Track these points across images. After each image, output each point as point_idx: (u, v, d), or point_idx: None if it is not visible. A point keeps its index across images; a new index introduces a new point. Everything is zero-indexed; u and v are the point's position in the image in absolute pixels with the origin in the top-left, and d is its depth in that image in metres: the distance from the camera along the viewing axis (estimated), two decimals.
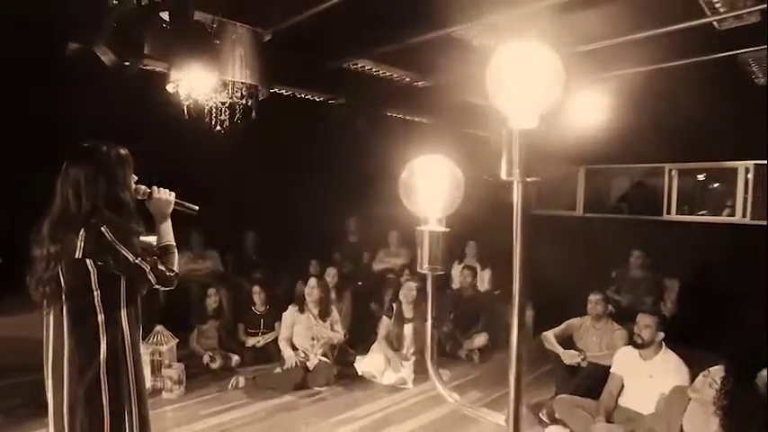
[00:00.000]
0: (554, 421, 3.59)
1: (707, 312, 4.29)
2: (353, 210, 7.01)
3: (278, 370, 4.37)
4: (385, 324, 4.75)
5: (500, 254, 6.27)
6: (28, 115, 4.27)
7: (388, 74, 5.48)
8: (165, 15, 2.79)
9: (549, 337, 4.19)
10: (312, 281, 4.67)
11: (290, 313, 4.57)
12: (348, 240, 6.84)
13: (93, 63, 3.49)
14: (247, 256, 6.09)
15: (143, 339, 2.82)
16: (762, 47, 4.28)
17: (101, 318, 1.75)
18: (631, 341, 3.47)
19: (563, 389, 3.79)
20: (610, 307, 4.14)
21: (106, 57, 3.37)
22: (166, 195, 1.99)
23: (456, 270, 6.11)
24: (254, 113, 3.15)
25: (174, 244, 1.98)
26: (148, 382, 3.78)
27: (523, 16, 3.90)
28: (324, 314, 4.58)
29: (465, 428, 3.64)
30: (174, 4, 2.85)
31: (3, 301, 4.09)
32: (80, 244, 1.72)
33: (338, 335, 4.62)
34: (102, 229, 1.73)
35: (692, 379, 3.17)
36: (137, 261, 1.77)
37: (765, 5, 3.55)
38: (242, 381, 4.24)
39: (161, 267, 1.83)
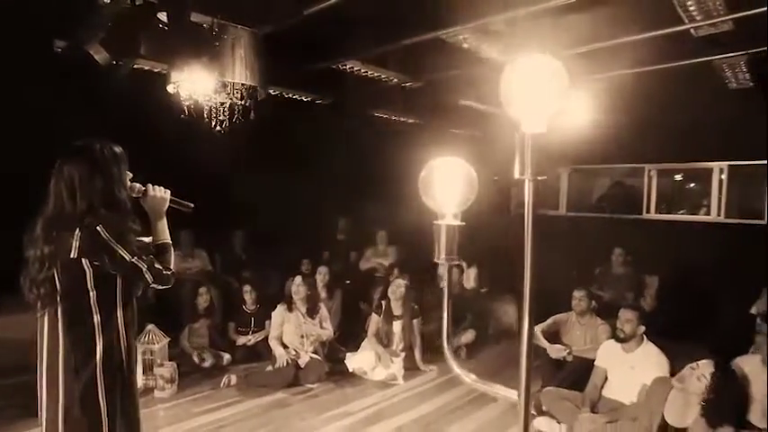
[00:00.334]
0: (541, 413, 3.71)
1: (684, 307, 4.47)
2: (341, 209, 7.07)
3: (269, 368, 4.42)
4: (374, 321, 4.82)
5: (485, 253, 6.44)
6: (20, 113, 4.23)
7: (376, 75, 5.53)
8: (162, 16, 2.81)
9: (536, 332, 4.31)
10: (297, 279, 4.72)
11: (279, 312, 4.61)
12: (336, 239, 6.90)
13: (88, 61, 3.51)
14: (236, 256, 6.10)
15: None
16: (734, 53, 4.49)
17: (97, 318, 1.73)
18: (614, 335, 3.61)
19: (549, 382, 3.91)
20: (593, 303, 4.28)
21: (99, 55, 3.38)
22: (161, 193, 1.96)
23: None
24: (252, 114, 3.19)
25: (170, 242, 1.96)
26: (140, 381, 3.78)
27: (511, 20, 4.03)
28: (312, 312, 4.63)
29: (456, 421, 3.75)
30: (171, 4, 2.87)
31: None
32: (75, 244, 1.69)
33: (327, 332, 4.68)
34: (97, 228, 1.70)
35: (672, 369, 3.32)
36: (133, 260, 1.74)
37: (738, 15, 3.72)
38: (234, 379, 4.27)
39: (157, 266, 1.81)
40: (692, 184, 6.63)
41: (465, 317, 5.40)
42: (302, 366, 4.34)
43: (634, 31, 4.15)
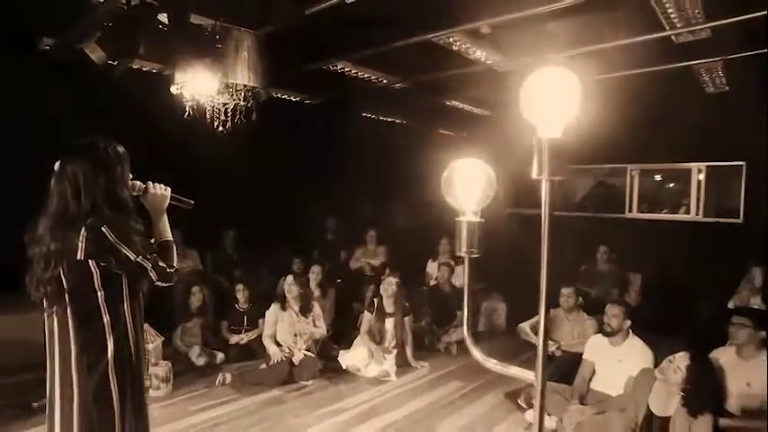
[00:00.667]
0: (531, 406, 3.82)
1: (666, 302, 4.65)
2: (331, 209, 7.12)
3: (263, 366, 4.45)
4: (367, 319, 4.89)
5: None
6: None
7: (366, 76, 5.60)
8: (162, 18, 2.83)
9: (525, 328, 4.44)
10: (289, 278, 4.77)
11: (273, 311, 4.65)
12: (326, 238, 6.94)
13: (81, 60, 3.51)
14: (227, 255, 6.10)
15: None
16: (711, 59, 4.68)
17: (106, 318, 1.75)
18: (601, 330, 3.74)
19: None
20: (580, 299, 4.42)
21: (95, 54, 3.38)
22: (162, 190, 1.96)
23: (432, 267, 6.32)
24: (254, 115, 3.23)
25: (172, 239, 1.95)
26: None
27: (500, 25, 4.14)
28: (305, 310, 4.68)
29: (448, 416, 3.84)
30: (171, 5, 2.90)
31: None
32: (81, 245, 1.70)
33: (320, 330, 4.73)
34: (102, 229, 1.70)
35: (656, 361, 3.46)
36: (138, 259, 1.74)
37: (715, 24, 3.90)
38: (228, 377, 4.29)
39: (161, 264, 1.80)
40: (671, 184, 6.86)
41: (455, 315, 5.50)
42: (296, 364, 4.39)
43: (618, 37, 4.30)
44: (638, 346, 3.57)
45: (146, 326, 4.07)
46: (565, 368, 3.99)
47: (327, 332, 4.95)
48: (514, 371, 1.21)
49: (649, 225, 6.21)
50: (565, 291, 4.43)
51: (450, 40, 4.48)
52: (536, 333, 4.35)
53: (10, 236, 1.94)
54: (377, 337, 4.82)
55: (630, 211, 6.45)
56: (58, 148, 1.90)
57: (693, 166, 6.11)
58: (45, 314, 1.80)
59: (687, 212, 6.15)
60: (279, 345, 4.51)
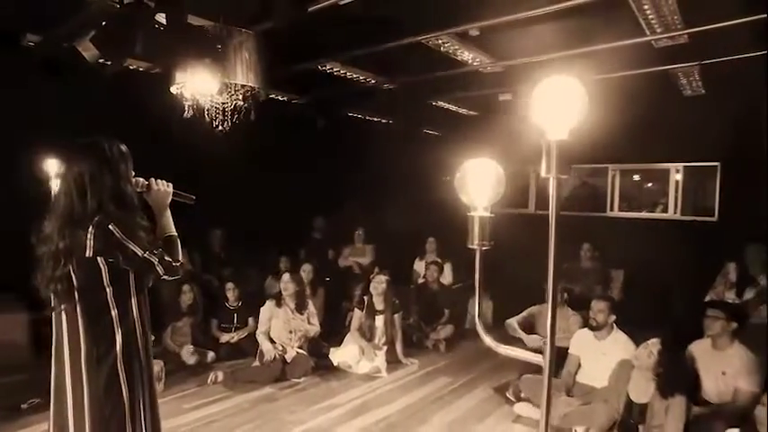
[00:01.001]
0: (519, 399, 3.94)
1: (647, 297, 4.82)
2: (317, 208, 7.16)
3: (255, 363, 4.48)
4: (357, 316, 4.95)
5: (458, 249, 6.65)
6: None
7: (354, 76, 5.65)
8: (159, 17, 2.85)
9: (513, 324, 4.56)
10: (286, 276, 4.79)
11: (268, 307, 4.68)
12: (313, 237, 6.98)
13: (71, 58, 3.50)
14: (215, 254, 6.10)
15: None
16: (689, 63, 4.87)
17: (114, 312, 1.79)
18: (587, 324, 3.88)
19: (526, 370, 4.14)
20: (565, 295, 4.55)
21: (88, 53, 3.37)
22: (165, 187, 1.99)
23: (419, 265, 6.41)
24: (253, 115, 3.26)
25: (176, 234, 1.98)
26: None
27: (488, 28, 4.24)
28: (300, 308, 4.72)
29: (439, 411, 3.92)
30: (166, 5, 2.92)
31: None
32: (90, 243, 1.74)
33: (315, 328, 4.78)
34: (110, 227, 1.74)
35: None
36: (145, 255, 1.78)
37: (694, 30, 4.06)
38: (220, 375, 4.31)
39: (167, 259, 1.84)
40: (650, 184, 7.07)
41: (443, 312, 5.60)
42: (289, 361, 4.43)
43: (600, 41, 4.44)
44: (622, 341, 3.71)
45: None
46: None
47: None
48: (529, 355, 1.29)
49: (630, 223, 6.40)
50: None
51: (439, 41, 4.57)
52: (524, 329, 4.50)
53: None
54: (367, 334, 4.88)
55: (612, 210, 6.65)
56: (61, 149, 1.93)
57: (671, 166, 6.32)
58: (53, 310, 1.83)
59: (665, 211, 6.36)
60: (272, 341, 4.54)
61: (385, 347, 4.84)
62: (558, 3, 3.64)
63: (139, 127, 4.27)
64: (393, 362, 4.84)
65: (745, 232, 5.02)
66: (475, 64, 5.14)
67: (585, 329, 3.89)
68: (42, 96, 4.27)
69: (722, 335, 3.32)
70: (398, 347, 4.94)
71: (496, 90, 5.86)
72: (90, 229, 1.74)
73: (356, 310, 5.00)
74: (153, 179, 1.99)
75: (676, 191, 6.25)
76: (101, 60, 3.48)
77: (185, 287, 4.82)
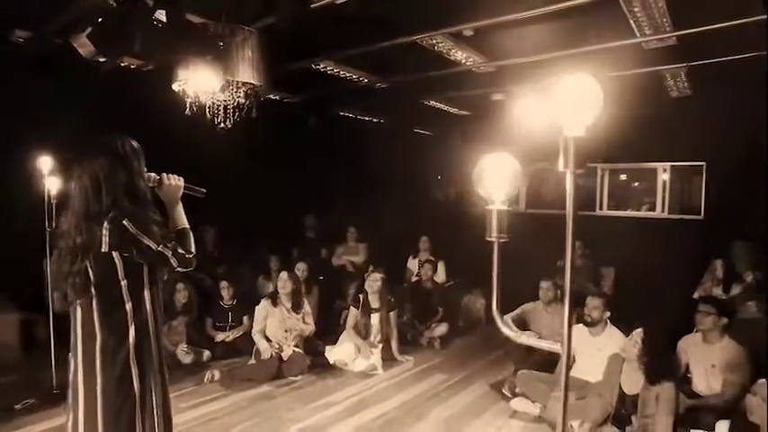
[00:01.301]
0: (515, 395, 4.00)
1: (638, 294, 4.91)
2: (310, 206, 7.16)
3: (252, 362, 4.48)
4: (353, 314, 4.97)
5: (450, 247, 6.73)
6: None
7: (348, 75, 5.66)
8: (158, 15, 2.84)
9: (507, 320, 4.60)
10: (284, 274, 4.78)
11: (264, 306, 4.68)
12: (305, 236, 6.98)
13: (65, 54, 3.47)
14: (207, 252, 6.06)
15: None
16: (677, 65, 4.98)
17: (128, 306, 1.84)
18: (582, 320, 3.95)
19: (521, 366, 4.21)
20: (558, 292, 4.62)
21: (84, 49, 3.35)
22: (176, 181, 2.04)
23: (412, 264, 6.45)
24: (254, 112, 3.26)
25: (188, 227, 2.03)
26: None
27: (482, 28, 4.29)
28: (296, 307, 4.72)
29: (436, 407, 3.97)
30: (164, 2, 2.91)
31: None
32: (105, 239, 1.79)
33: (310, 327, 4.79)
34: (124, 222, 1.79)
35: None
36: (159, 248, 1.83)
37: (683, 32, 4.16)
38: (217, 374, 4.30)
39: (180, 251, 1.89)
40: (636, 183, 7.20)
41: (437, 310, 5.65)
42: (285, 360, 4.43)
43: (591, 42, 4.52)
44: (617, 336, 3.78)
45: None
46: (545, 358, 4.18)
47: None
48: (544, 344, 1.33)
49: (619, 222, 6.51)
50: (544, 284, 4.63)
51: (433, 41, 4.61)
52: (517, 325, 4.56)
53: None
54: (363, 332, 4.91)
55: (601, 208, 6.76)
56: (75, 148, 1.96)
57: (659, 165, 6.45)
58: (70, 304, 1.88)
59: (653, 210, 6.49)
60: (268, 340, 4.54)
61: (380, 345, 4.87)
62: (551, 4, 3.70)
63: (130, 124, 4.26)
64: (388, 359, 4.87)
65: (729, 230, 5.16)
66: (468, 64, 5.19)
67: (580, 325, 3.95)
68: (32, 93, 4.22)
69: (713, 330, 3.42)
70: (394, 345, 4.97)
71: (489, 90, 5.92)
72: (105, 224, 1.79)
73: (352, 308, 5.02)
74: (164, 174, 2.03)
75: (664, 190, 6.38)
76: (95, 58, 3.46)
77: (179, 285, 4.80)
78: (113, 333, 1.82)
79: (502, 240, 1.27)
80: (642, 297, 4.72)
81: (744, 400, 3.14)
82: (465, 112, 7.39)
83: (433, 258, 6.12)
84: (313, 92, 6.35)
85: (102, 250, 1.79)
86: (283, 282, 4.66)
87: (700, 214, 6.18)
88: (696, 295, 4.87)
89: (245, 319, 5.02)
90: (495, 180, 1.21)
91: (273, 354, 4.40)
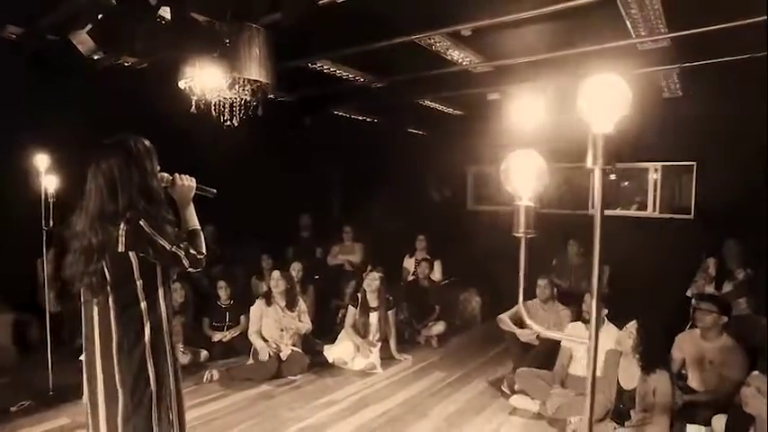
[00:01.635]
0: (514, 392, 4.03)
1: (633, 291, 4.98)
2: (305, 206, 7.14)
3: (250, 362, 4.46)
4: (351, 313, 4.97)
5: (446, 246, 6.76)
6: None
7: (345, 74, 5.66)
8: (162, 13, 2.82)
9: (505, 319, 4.64)
10: (276, 273, 4.78)
11: (258, 306, 4.66)
12: (301, 236, 6.96)
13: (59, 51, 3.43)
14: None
15: None
16: (670, 66, 5.06)
17: (143, 305, 1.86)
18: (580, 318, 4.00)
19: (520, 363, 4.25)
20: (555, 290, 4.67)
21: (84, 46, 3.31)
22: (188, 181, 2.05)
23: (409, 263, 6.47)
24: (260, 110, 3.25)
25: (200, 228, 2.05)
26: None
27: (480, 28, 4.32)
28: (291, 305, 4.71)
29: (437, 404, 3.99)
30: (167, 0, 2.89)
31: None
32: (122, 239, 1.81)
33: (306, 325, 4.78)
34: (140, 223, 1.81)
35: None
36: (172, 249, 1.85)
37: (676, 34, 4.23)
38: (216, 374, 4.28)
39: (192, 251, 1.91)
40: (625, 183, 7.29)
41: (434, 308, 5.67)
42: (284, 359, 4.42)
43: (588, 43, 4.58)
44: (613, 333, 3.83)
45: None
46: (543, 356, 4.23)
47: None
48: (571, 339, 1.35)
49: (611, 221, 6.57)
50: (541, 282, 4.67)
51: (431, 40, 4.63)
52: (515, 323, 4.60)
53: None
54: (361, 331, 4.91)
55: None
56: (89, 148, 1.95)
57: (650, 165, 6.54)
58: (83, 304, 1.90)
59: (644, 209, 6.58)
60: (265, 340, 4.52)
61: (379, 344, 4.88)
62: (549, 5, 3.74)
63: (123, 122, 4.22)
64: (387, 358, 4.88)
65: (719, 229, 5.26)
66: (464, 63, 5.22)
67: (578, 323, 4.00)
68: (27, 90, 4.16)
69: (712, 327, 3.49)
70: (392, 344, 4.99)
71: (485, 89, 5.95)
72: (122, 225, 1.81)
73: (350, 307, 5.02)
74: (177, 174, 2.05)
75: (655, 189, 6.47)
76: (94, 55, 3.43)
77: (176, 285, 4.75)
78: (129, 331, 1.84)
79: (529, 236, 1.29)
80: (637, 295, 4.79)
81: (738, 394, 3.21)
82: (459, 112, 7.42)
83: (429, 257, 6.15)
84: (308, 91, 6.33)
85: (119, 250, 1.81)
86: (276, 281, 4.65)
87: (690, 213, 6.28)
88: (689, 293, 4.96)
89: (243, 318, 5.00)
90: (522, 177, 1.23)
91: (271, 354, 4.38)
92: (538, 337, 4.41)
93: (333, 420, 3.64)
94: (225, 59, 2.69)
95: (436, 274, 6.14)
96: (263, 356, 4.35)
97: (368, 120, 8.04)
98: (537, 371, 3.98)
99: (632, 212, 6.70)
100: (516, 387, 4.02)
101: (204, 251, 1.99)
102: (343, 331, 4.93)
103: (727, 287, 4.70)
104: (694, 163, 6.30)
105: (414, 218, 7.11)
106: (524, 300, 1.50)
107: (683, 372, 3.71)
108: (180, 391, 2.01)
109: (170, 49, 2.75)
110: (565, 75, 5.23)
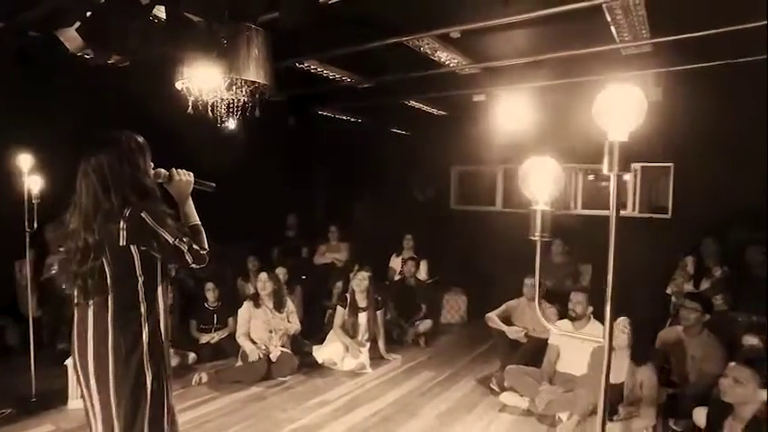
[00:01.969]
0: (503, 389, 4.10)
1: (615, 289, 5.11)
2: (290, 206, 7.11)
3: (239, 363, 4.43)
4: (340, 313, 4.97)
5: (434, 245, 6.82)
6: None
7: (332, 75, 5.65)
8: (157, 12, 2.78)
9: (493, 317, 4.72)
10: (263, 275, 4.75)
11: (246, 308, 4.63)
12: (286, 236, 6.93)
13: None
14: None
15: None
16: (651, 70, 5.21)
17: (143, 303, 1.81)
18: (566, 315, 4.09)
19: (507, 361, 4.33)
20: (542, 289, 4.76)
21: (71, 43, 3.24)
22: (186, 176, 2.01)
23: (395, 262, 6.50)
24: (258, 111, 3.22)
25: (200, 223, 2.00)
26: None
27: (469, 31, 4.37)
28: (279, 306, 4.69)
29: (429, 402, 4.03)
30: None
31: None
32: (122, 233, 1.76)
33: (294, 325, 4.76)
34: (142, 215, 1.76)
35: None
36: (176, 242, 1.79)
37: (660, 39, 4.36)
38: (205, 376, 4.24)
39: (195, 247, 1.85)
40: (603, 183, 7.46)
41: (421, 307, 5.72)
42: (274, 360, 4.40)
43: (573, 47, 4.68)
44: (599, 330, 3.93)
45: None
46: (531, 353, 4.31)
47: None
48: (585, 335, 1.39)
49: (593, 220, 6.75)
50: (527, 281, 4.75)
51: (420, 42, 4.66)
52: (504, 321, 4.68)
53: None
54: (350, 331, 4.92)
55: (575, 207, 6.99)
56: (79, 145, 1.91)
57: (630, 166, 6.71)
58: (77, 305, 1.84)
59: (624, 209, 6.76)
60: (254, 342, 4.49)
61: (368, 344, 4.90)
62: (538, 9, 3.81)
63: (107, 120, 4.14)
64: (376, 358, 4.90)
65: (695, 228, 5.44)
66: (452, 65, 5.27)
67: (565, 320, 4.09)
68: (9, 87, 4.04)
69: (695, 324, 3.62)
70: (381, 343, 5.01)
71: (471, 91, 6.02)
72: (122, 220, 1.76)
73: (339, 307, 5.02)
74: (174, 169, 2.00)
75: (634, 190, 6.65)
76: (82, 53, 3.36)
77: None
78: (127, 332, 1.79)
79: (544, 239, 1.33)
80: (619, 293, 4.93)
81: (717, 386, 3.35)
82: (443, 113, 7.48)
83: (415, 256, 6.19)
84: (294, 91, 6.29)
85: (121, 244, 1.76)
86: (263, 282, 4.62)
87: (667, 213, 6.48)
88: (669, 290, 5.12)
89: (230, 320, 4.96)
90: (539, 182, 1.27)
91: (261, 356, 4.36)
92: (526, 335, 4.49)
93: (326, 421, 3.64)
94: (223, 60, 2.67)
95: (422, 273, 6.19)
96: (254, 358, 4.32)
97: (352, 119, 8.04)
98: (525, 368, 4.06)
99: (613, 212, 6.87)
100: (505, 384, 4.09)
101: (207, 247, 1.92)
102: (331, 332, 4.93)
103: (704, 284, 4.87)
104: (671, 164, 6.50)
105: (398, 217, 7.14)
106: (537, 298, 1.55)
107: (666, 366, 3.83)
108: (170, 394, 1.95)
109: (164, 48, 2.70)
110: (550, 78, 5.35)
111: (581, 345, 3.94)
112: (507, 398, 4.00)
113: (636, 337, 3.46)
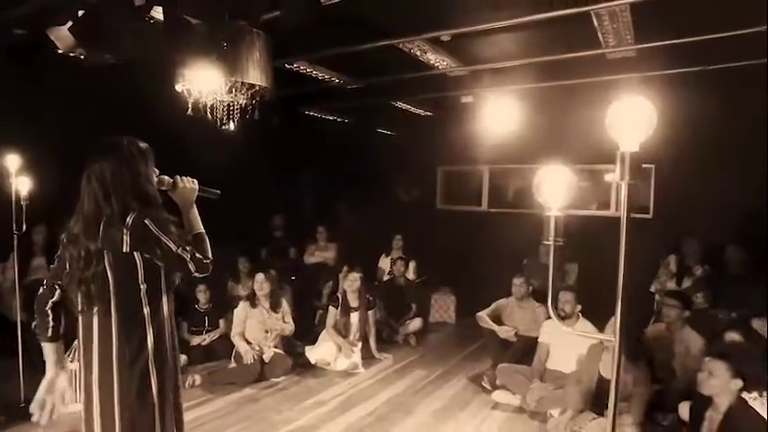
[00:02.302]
0: (495, 387, 4.18)
1: (600, 288, 5.24)
2: (278, 207, 7.08)
3: (232, 365, 4.42)
4: (332, 313, 4.99)
5: (422, 245, 6.87)
6: None
7: (321, 75, 5.66)
8: (155, 13, 2.76)
9: (483, 316, 4.80)
10: (260, 276, 4.74)
11: (242, 308, 4.62)
12: (274, 236, 6.91)
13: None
14: None
15: None
16: (635, 74, 5.35)
17: (146, 311, 1.79)
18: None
19: (498, 360, 4.41)
20: (530, 288, 4.85)
21: (62, 42, 3.20)
22: (191, 183, 1.99)
23: (384, 262, 6.55)
24: (257, 114, 3.22)
25: (204, 231, 1.97)
26: None
27: (456, 36, 4.43)
28: (275, 306, 4.69)
29: (422, 400, 4.09)
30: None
31: None
32: (126, 239, 1.73)
33: (290, 326, 4.76)
34: (146, 221, 1.74)
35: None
36: (179, 251, 1.77)
37: (644, 45, 4.49)
38: (198, 378, 4.22)
39: (198, 255, 1.83)
40: (587, 183, 7.62)
41: (411, 306, 5.77)
42: (267, 361, 4.40)
43: (560, 51, 4.78)
44: (588, 328, 4.03)
45: None
46: (521, 352, 4.40)
47: None
48: (601, 336, 1.45)
49: (576, 220, 6.87)
50: (516, 281, 4.84)
51: (411, 44, 4.70)
52: (494, 320, 4.75)
53: None
54: (342, 331, 4.94)
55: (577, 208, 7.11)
56: (85, 150, 1.89)
57: (612, 167, 6.86)
58: (81, 312, 1.81)
59: (607, 208, 6.92)
60: (249, 342, 4.49)
61: (360, 344, 4.93)
62: (528, 14, 3.89)
63: (94, 122, 4.08)
64: (368, 358, 4.94)
65: (675, 227, 5.61)
66: (441, 67, 5.33)
67: (553, 319, 4.18)
68: None
69: (676, 321, 3.74)
70: (372, 343, 5.05)
71: (460, 92, 6.10)
72: (125, 227, 1.74)
73: (331, 307, 5.04)
74: (178, 176, 1.98)
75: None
76: (74, 53, 3.31)
77: None
78: (132, 340, 1.77)
79: (558, 244, 1.39)
80: (604, 291, 5.06)
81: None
82: (429, 113, 7.54)
83: (404, 256, 6.24)
84: (283, 91, 6.27)
85: (124, 251, 1.74)
86: (260, 283, 4.61)
87: (648, 213, 6.65)
88: (653, 288, 5.27)
89: (222, 322, 4.94)
90: (552, 189, 1.32)
91: (254, 357, 4.35)
92: (516, 334, 4.58)
93: (323, 421, 3.66)
94: (224, 63, 2.66)
95: (411, 273, 6.24)
96: (248, 359, 4.32)
97: (339, 120, 8.05)
98: (516, 366, 4.14)
99: (596, 212, 7.02)
100: (497, 382, 4.17)
101: (210, 256, 1.90)
102: (324, 332, 4.95)
103: (686, 282, 5.03)
104: (652, 165, 6.67)
105: (385, 217, 7.18)
106: (549, 300, 1.59)
107: (652, 362, 3.95)
108: (180, 405, 1.96)
109: (161, 51, 2.68)
110: (538, 80, 5.45)
111: (570, 342, 4.04)
112: (499, 395, 4.07)
113: (628, 333, 3.56)
